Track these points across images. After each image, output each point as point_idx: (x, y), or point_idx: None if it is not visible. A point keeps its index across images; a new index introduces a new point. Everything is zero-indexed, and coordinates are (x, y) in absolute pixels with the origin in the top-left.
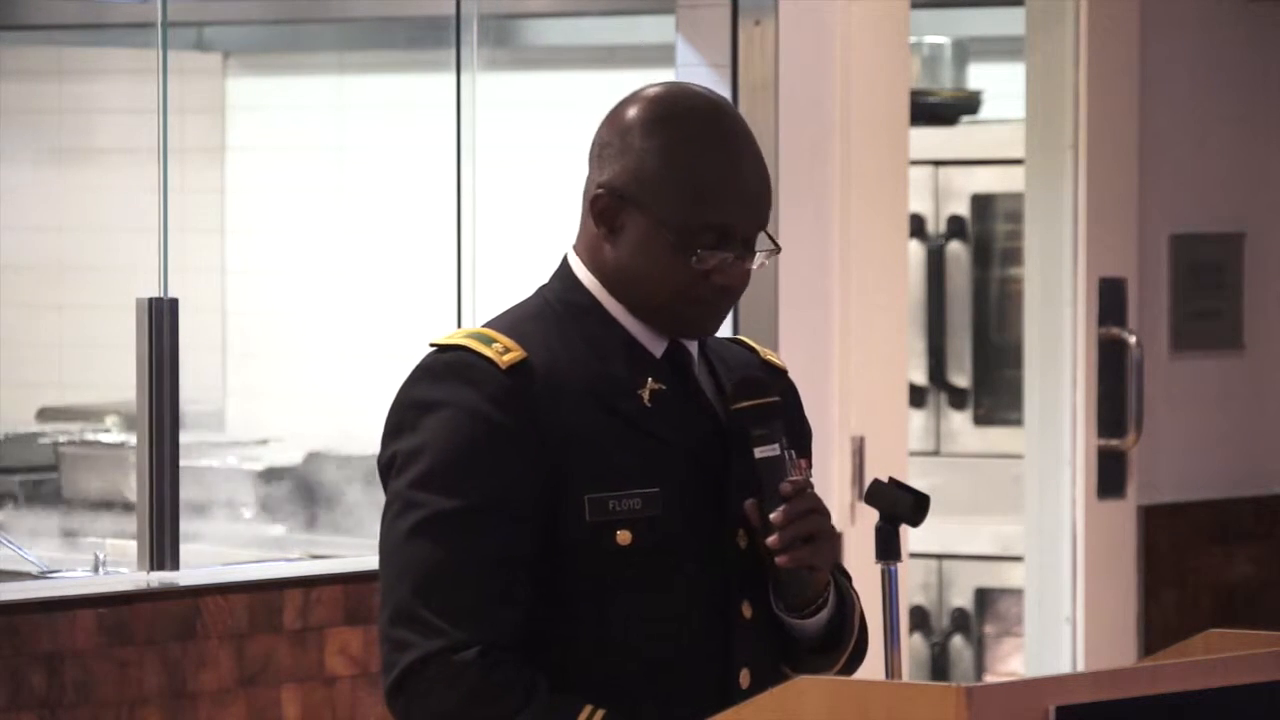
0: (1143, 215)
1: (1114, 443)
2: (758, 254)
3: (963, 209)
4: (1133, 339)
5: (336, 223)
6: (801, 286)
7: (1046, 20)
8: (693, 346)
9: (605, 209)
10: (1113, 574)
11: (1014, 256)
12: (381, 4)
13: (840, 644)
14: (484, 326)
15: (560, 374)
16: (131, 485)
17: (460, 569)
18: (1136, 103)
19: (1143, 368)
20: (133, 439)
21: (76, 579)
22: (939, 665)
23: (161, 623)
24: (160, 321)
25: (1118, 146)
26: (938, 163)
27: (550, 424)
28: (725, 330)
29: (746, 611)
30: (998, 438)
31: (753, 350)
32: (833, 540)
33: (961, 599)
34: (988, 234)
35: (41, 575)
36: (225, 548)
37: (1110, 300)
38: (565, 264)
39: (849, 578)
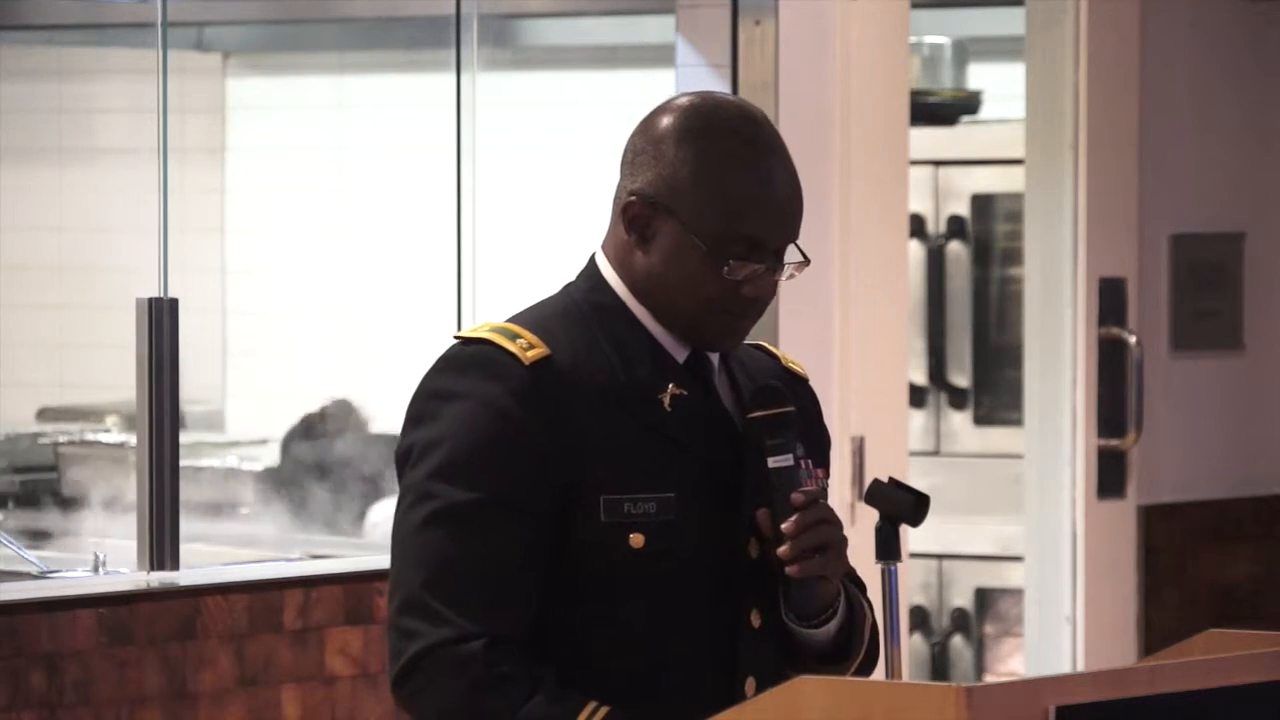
0: (1143, 215)
1: (1114, 442)
2: (786, 266)
3: (963, 209)
4: (1133, 339)
5: (336, 223)
6: (802, 286)
7: (1046, 20)
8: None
9: (637, 216)
10: (1113, 574)
11: (1014, 256)
12: (381, 4)
13: (850, 654)
14: (508, 321)
15: (583, 374)
16: (131, 485)
17: (472, 562)
18: (1136, 103)
19: (1143, 368)
20: (133, 439)
21: (76, 579)
22: (939, 665)
23: (161, 623)
24: (160, 321)
25: (1118, 146)
26: (938, 163)
27: (570, 423)
28: None
29: (755, 620)
30: (998, 438)
31: (774, 357)
32: (844, 550)
33: (961, 599)
34: (988, 234)
35: (41, 575)
36: (225, 548)
37: (1110, 300)
38: (593, 264)
39: (863, 588)
